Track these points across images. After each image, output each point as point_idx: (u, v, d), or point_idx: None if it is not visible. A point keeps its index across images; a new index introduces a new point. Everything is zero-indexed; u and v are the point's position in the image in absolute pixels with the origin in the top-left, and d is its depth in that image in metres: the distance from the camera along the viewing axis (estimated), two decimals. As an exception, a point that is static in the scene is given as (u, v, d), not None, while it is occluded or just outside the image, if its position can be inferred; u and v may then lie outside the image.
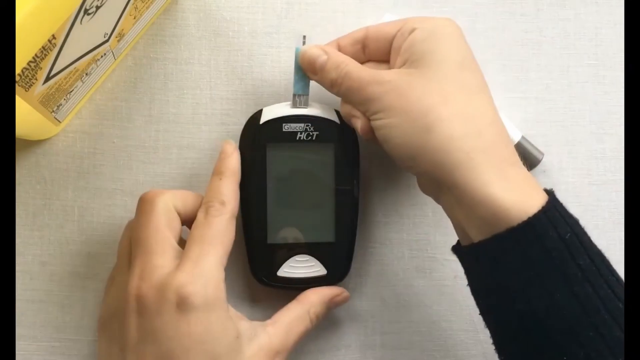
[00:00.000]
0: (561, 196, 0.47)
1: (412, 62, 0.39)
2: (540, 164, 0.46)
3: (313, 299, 0.42)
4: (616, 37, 0.48)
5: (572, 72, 0.48)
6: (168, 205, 0.39)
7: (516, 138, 0.46)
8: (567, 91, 0.48)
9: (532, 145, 0.46)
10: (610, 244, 0.47)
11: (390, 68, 0.41)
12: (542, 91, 0.48)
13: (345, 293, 0.43)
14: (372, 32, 0.42)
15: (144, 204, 0.39)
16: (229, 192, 0.40)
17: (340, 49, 0.43)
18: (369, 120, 0.39)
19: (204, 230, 0.38)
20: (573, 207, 0.47)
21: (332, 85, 0.41)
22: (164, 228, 0.38)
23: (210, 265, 0.37)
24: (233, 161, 0.41)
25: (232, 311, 0.39)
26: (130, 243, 0.40)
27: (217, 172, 0.41)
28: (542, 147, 0.47)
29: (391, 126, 0.38)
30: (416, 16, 0.41)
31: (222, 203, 0.39)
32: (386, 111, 0.38)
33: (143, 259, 0.37)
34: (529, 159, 0.46)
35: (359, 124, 0.40)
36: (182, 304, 0.35)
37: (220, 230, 0.38)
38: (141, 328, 0.36)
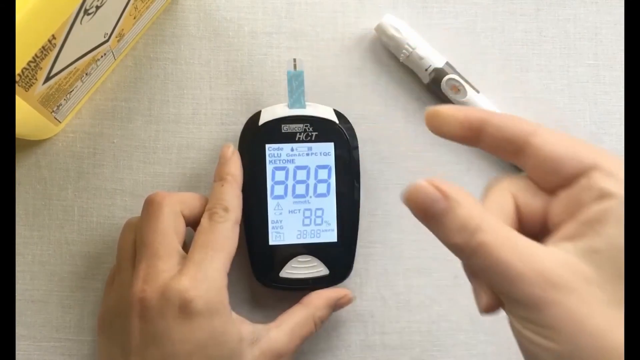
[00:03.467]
0: (561, 196, 0.47)
1: (594, 251, 0.26)
2: (540, 164, 0.46)
3: (318, 303, 0.42)
4: (616, 37, 0.48)
5: (572, 72, 0.48)
6: (175, 209, 0.39)
7: (516, 138, 0.46)
8: (567, 91, 0.48)
9: (532, 145, 0.46)
10: (610, 244, 0.47)
11: (532, 203, 0.29)
12: (542, 91, 0.48)
13: (350, 295, 0.43)
14: (518, 132, 0.28)
15: (151, 206, 0.39)
16: (231, 197, 0.40)
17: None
18: (500, 303, 0.28)
19: (208, 236, 0.38)
20: (573, 207, 0.47)
21: (452, 249, 0.28)
22: (170, 232, 0.38)
23: (214, 270, 0.37)
24: (234, 165, 0.41)
25: (235, 315, 0.39)
26: (134, 244, 0.40)
27: (218, 177, 0.41)
28: (542, 147, 0.47)
29: (548, 350, 0.26)
30: (603, 151, 0.28)
31: (226, 209, 0.39)
32: (546, 330, 0.25)
33: (148, 262, 0.37)
34: (529, 159, 0.46)
35: (482, 300, 0.28)
36: (185, 309, 0.35)
37: (224, 236, 0.39)
38: (144, 331, 0.36)
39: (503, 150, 0.29)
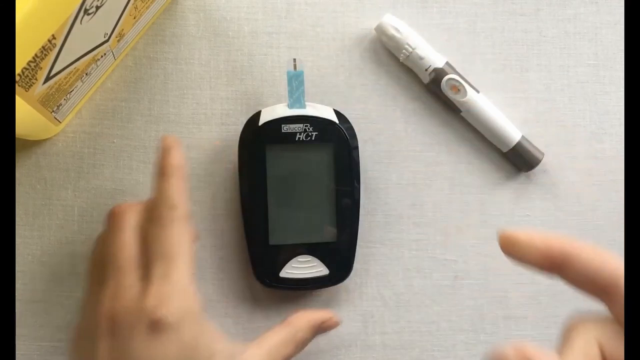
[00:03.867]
0: (561, 196, 0.47)
1: None
2: (540, 164, 0.46)
3: (301, 324, 0.40)
4: (616, 37, 0.48)
5: (572, 72, 0.48)
6: (137, 219, 0.38)
7: (516, 138, 0.46)
8: (567, 91, 0.48)
9: (532, 145, 0.46)
10: (610, 244, 0.47)
11: None
12: (542, 91, 0.48)
13: (335, 318, 0.42)
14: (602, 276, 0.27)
15: (112, 220, 0.38)
16: (175, 193, 0.37)
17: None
18: None
19: (162, 245, 0.36)
20: (573, 207, 0.47)
21: None
22: (133, 245, 0.37)
23: (178, 279, 0.36)
24: (175, 157, 0.38)
25: (212, 330, 0.37)
26: (102, 260, 0.38)
27: (159, 172, 0.38)
28: (542, 147, 0.47)
29: None
30: None
31: (171, 207, 0.37)
32: None
33: (114, 279, 0.36)
34: (529, 159, 0.46)
35: None
36: (155, 326, 0.34)
37: (177, 238, 0.37)
38: (114, 350, 0.35)
39: (587, 288, 0.27)
